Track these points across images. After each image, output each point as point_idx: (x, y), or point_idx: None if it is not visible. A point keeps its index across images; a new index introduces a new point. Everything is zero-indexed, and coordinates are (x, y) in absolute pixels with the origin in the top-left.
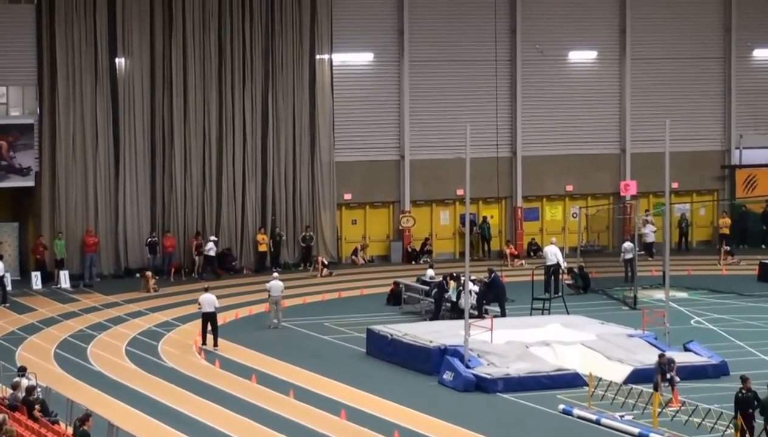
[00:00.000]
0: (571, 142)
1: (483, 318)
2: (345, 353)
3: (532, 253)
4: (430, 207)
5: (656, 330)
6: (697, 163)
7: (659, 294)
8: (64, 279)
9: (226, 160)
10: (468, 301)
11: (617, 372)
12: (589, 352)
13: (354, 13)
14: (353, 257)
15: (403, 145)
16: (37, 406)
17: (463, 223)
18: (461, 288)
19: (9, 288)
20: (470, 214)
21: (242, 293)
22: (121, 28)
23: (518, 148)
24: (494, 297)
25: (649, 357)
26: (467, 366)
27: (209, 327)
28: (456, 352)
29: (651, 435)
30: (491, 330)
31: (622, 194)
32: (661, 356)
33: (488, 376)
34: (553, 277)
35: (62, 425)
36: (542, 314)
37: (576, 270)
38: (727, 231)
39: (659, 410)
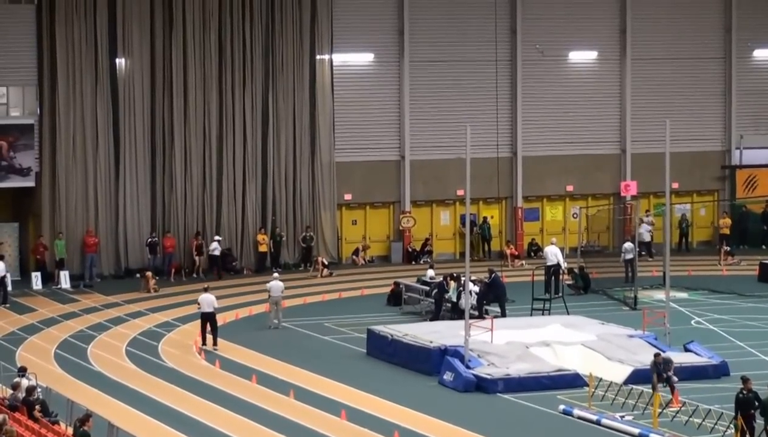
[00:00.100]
0: (572, 143)
1: (483, 318)
2: (345, 353)
3: (532, 254)
4: (431, 207)
5: (657, 330)
6: (697, 163)
7: (659, 295)
8: (65, 279)
9: (227, 160)
10: (468, 302)
11: (617, 373)
12: (589, 353)
13: (354, 13)
14: (354, 257)
15: (403, 145)
16: (37, 407)
17: (463, 224)
18: (461, 288)
19: (9, 288)
20: (470, 214)
21: (242, 293)
22: (122, 28)
23: (518, 148)
24: (494, 297)
25: (649, 358)
26: (467, 367)
27: (209, 328)
28: (456, 353)
29: (651, 435)
30: (491, 330)
31: (622, 194)
32: (656, 355)
33: (488, 377)
34: (553, 278)
35: (62, 425)
36: (542, 314)
37: (576, 270)
38: (727, 231)
39: (659, 410)
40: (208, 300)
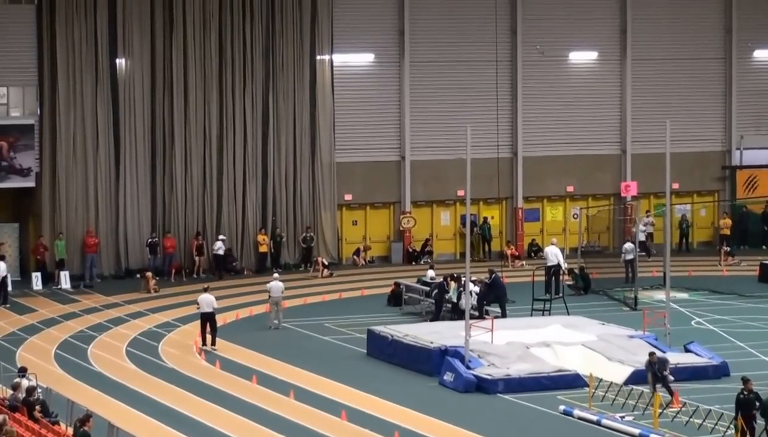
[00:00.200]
0: (572, 143)
1: (483, 319)
2: (345, 354)
3: (532, 254)
4: (431, 207)
5: (657, 331)
6: (697, 163)
7: (660, 295)
8: (65, 279)
9: (227, 160)
10: (468, 302)
11: (618, 373)
12: (589, 353)
13: (355, 13)
14: (355, 257)
15: (403, 145)
16: (37, 407)
17: (463, 224)
18: (462, 289)
19: (9, 288)
20: (471, 214)
21: (243, 294)
22: (122, 28)
23: (519, 149)
24: (495, 297)
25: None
26: (468, 367)
27: (208, 328)
28: (456, 353)
29: (651, 436)
30: (492, 331)
31: (622, 195)
32: (651, 355)
33: (489, 377)
34: (553, 278)
35: (63, 426)
36: (543, 315)
37: (576, 270)
38: (727, 232)
39: (660, 411)
40: (207, 301)
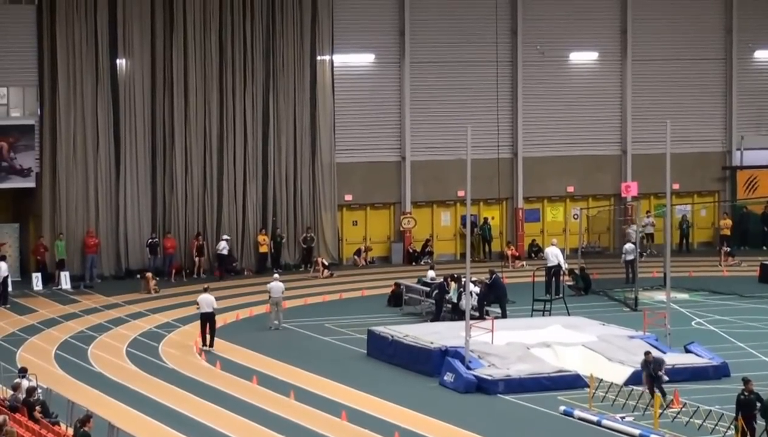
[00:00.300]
0: (572, 143)
1: (484, 319)
2: (346, 354)
3: (533, 254)
4: (431, 208)
5: (657, 331)
6: (698, 164)
7: (660, 296)
8: (65, 280)
9: (227, 160)
10: (469, 302)
11: (618, 374)
12: (590, 353)
13: (355, 14)
14: (356, 257)
15: (404, 146)
16: (37, 407)
17: (464, 224)
18: (462, 289)
19: (10, 289)
20: (471, 215)
21: (243, 294)
22: (122, 28)
23: (519, 149)
24: (495, 298)
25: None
26: (468, 368)
27: (208, 327)
28: (457, 353)
29: (652, 436)
30: (492, 331)
31: (623, 195)
32: (646, 354)
33: (489, 377)
34: (554, 278)
35: (63, 426)
36: (543, 315)
37: (577, 271)
38: (728, 232)
39: (660, 411)
40: (207, 301)
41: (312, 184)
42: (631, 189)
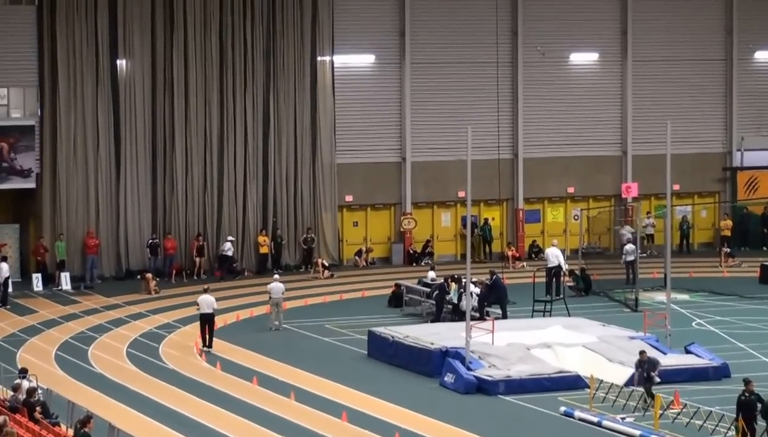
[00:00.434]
0: (573, 144)
1: (484, 320)
2: (346, 355)
3: (533, 255)
4: (432, 209)
5: (658, 332)
6: (698, 165)
7: (661, 297)
8: (65, 280)
9: (227, 161)
10: (469, 303)
11: (619, 375)
12: (590, 354)
13: (355, 14)
14: (356, 257)
15: (404, 146)
16: (38, 408)
17: (464, 225)
18: (462, 290)
19: (10, 289)
20: (471, 215)
21: (243, 295)
22: (122, 29)
23: (519, 150)
24: (495, 299)
25: None
26: (468, 368)
27: (207, 328)
28: (457, 354)
29: None
30: (492, 332)
31: (623, 196)
32: (641, 353)
33: (489, 378)
34: (554, 279)
35: (63, 427)
36: (543, 316)
37: (577, 272)
38: (728, 233)
39: (660, 412)
40: (207, 302)
41: (312, 184)
42: (631, 190)
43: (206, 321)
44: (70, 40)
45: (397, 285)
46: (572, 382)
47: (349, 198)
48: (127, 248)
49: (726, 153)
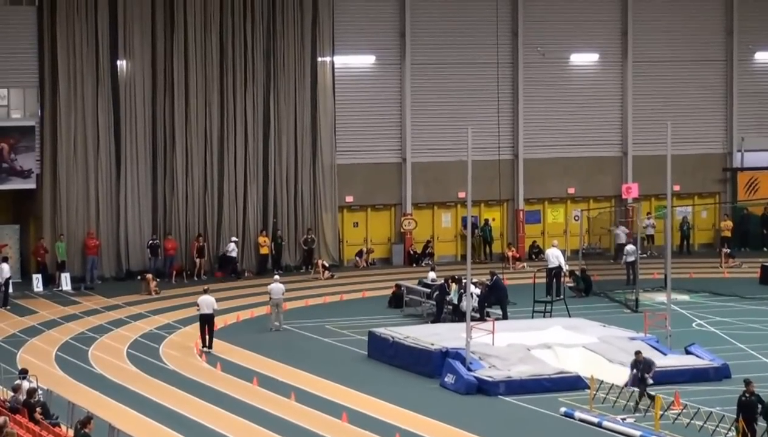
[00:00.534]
0: (573, 145)
1: (484, 320)
2: (346, 356)
3: (533, 256)
4: (432, 209)
5: (658, 333)
6: (698, 165)
7: (661, 297)
8: (65, 281)
9: (228, 162)
10: (470, 304)
11: (619, 375)
12: (590, 355)
13: (356, 15)
14: (357, 258)
15: (404, 147)
16: (38, 409)
17: (464, 226)
18: (463, 290)
19: (10, 290)
20: (472, 216)
21: (243, 295)
22: (123, 29)
23: (520, 151)
24: (496, 299)
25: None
26: (469, 369)
27: (207, 328)
28: (457, 355)
29: None
30: (493, 332)
31: (624, 197)
32: (637, 354)
33: (490, 379)
34: (554, 280)
35: (63, 428)
36: (544, 317)
37: (578, 272)
38: (728, 234)
39: (661, 413)
40: (207, 302)
41: (313, 185)
42: (631, 190)
43: (206, 321)
44: (70, 40)
45: (398, 286)
46: (572, 383)
47: (349, 198)
48: (127, 249)
49: (726, 153)
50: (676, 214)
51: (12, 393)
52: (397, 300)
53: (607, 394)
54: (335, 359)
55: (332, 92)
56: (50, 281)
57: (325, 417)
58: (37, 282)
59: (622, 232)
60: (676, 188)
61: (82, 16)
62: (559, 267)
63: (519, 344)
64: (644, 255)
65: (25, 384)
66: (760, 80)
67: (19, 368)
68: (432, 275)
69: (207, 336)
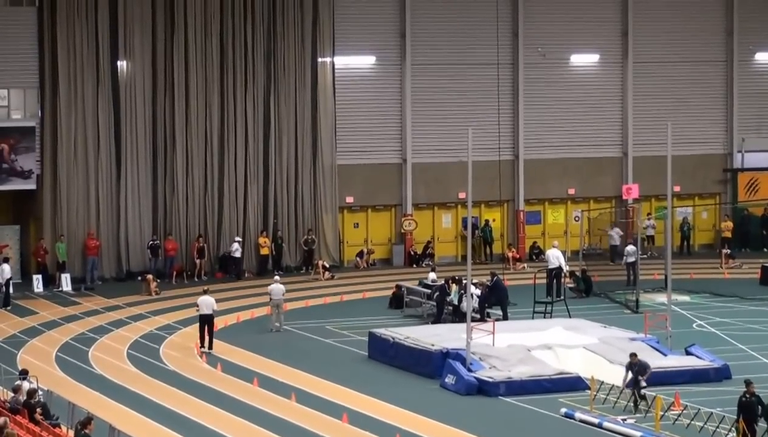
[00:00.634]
0: (574, 145)
1: (485, 321)
2: (347, 356)
3: (534, 257)
4: (432, 210)
5: (658, 333)
6: (699, 166)
7: (661, 298)
8: (66, 282)
9: (228, 162)
10: (470, 305)
11: (619, 376)
12: (591, 356)
13: (356, 16)
14: (358, 258)
15: (405, 148)
16: (38, 409)
17: (465, 226)
18: (463, 291)
19: (11, 291)
20: (472, 217)
21: (244, 296)
22: (123, 30)
23: (520, 151)
24: (496, 300)
25: (651, 362)
26: (469, 370)
27: (206, 329)
28: (458, 356)
29: None
30: (493, 333)
31: (624, 197)
32: (632, 356)
33: (490, 380)
34: (555, 281)
35: (64, 428)
36: (544, 317)
37: (578, 273)
38: (729, 234)
39: (661, 414)
40: (207, 303)
41: (313, 186)
42: (632, 191)
43: (205, 322)
44: (70, 41)
45: (398, 287)
46: (573, 384)
47: (349, 199)
48: (127, 249)
49: (727, 154)
50: (676, 215)
51: (12, 394)
52: (397, 301)
53: (608, 395)
54: (335, 360)
55: (332, 93)
56: (50, 282)
57: (326, 417)
58: (38, 282)
59: (615, 234)
60: (677, 189)
61: (83, 17)
62: (560, 268)
63: (519, 345)
64: (645, 256)
65: (26, 385)
66: (761, 81)
67: (20, 369)
68: (432, 276)
69: (207, 337)
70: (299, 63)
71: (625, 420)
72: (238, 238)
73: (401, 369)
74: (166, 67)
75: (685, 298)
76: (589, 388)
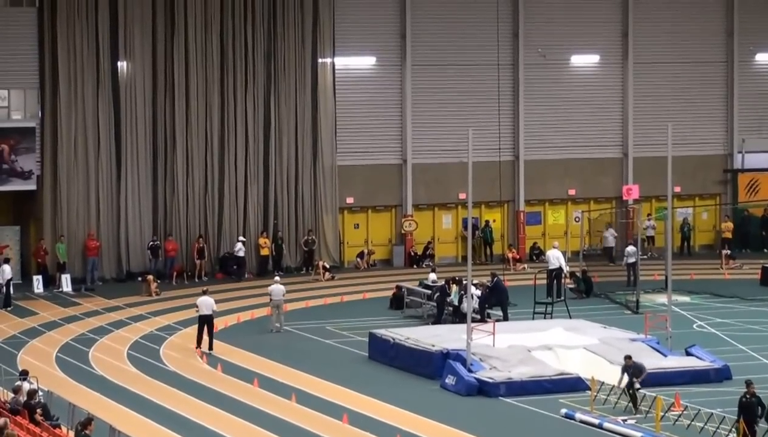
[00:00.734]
0: (574, 146)
1: (485, 322)
2: (347, 357)
3: (534, 257)
4: (433, 211)
5: (659, 334)
6: (699, 167)
7: (662, 299)
8: (66, 282)
9: (228, 163)
10: (470, 305)
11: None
12: (591, 356)
13: (356, 16)
14: (358, 259)
15: (405, 148)
16: (38, 410)
17: (465, 227)
18: (463, 292)
19: (11, 291)
20: (472, 217)
21: (244, 297)
22: (123, 31)
23: (521, 152)
24: (497, 301)
25: (651, 362)
26: (469, 371)
27: (205, 330)
28: (458, 356)
29: None
30: (493, 334)
31: (624, 198)
32: (626, 358)
33: (491, 380)
34: (555, 281)
35: (64, 429)
36: (544, 318)
37: (578, 274)
38: (729, 235)
39: (662, 414)
40: (206, 303)
41: (313, 186)
42: (632, 192)
43: (205, 322)
44: (70, 41)
45: (398, 288)
46: (573, 384)
47: (350, 200)
48: (127, 250)
49: (727, 155)
50: (676, 216)
51: (12, 395)
52: (397, 302)
53: (608, 396)
54: (336, 360)
55: (333, 93)
56: (51, 282)
57: (326, 418)
58: (38, 283)
59: (610, 235)
60: (677, 189)
61: (83, 18)
62: (560, 269)
63: (520, 345)
64: (645, 257)
65: (26, 386)
66: (761, 81)
67: (20, 369)
68: (432, 276)
69: (206, 337)
70: (299, 63)
71: (625, 420)
72: (242, 238)
73: (401, 369)
74: (167, 67)
75: (686, 299)
76: (590, 389)
